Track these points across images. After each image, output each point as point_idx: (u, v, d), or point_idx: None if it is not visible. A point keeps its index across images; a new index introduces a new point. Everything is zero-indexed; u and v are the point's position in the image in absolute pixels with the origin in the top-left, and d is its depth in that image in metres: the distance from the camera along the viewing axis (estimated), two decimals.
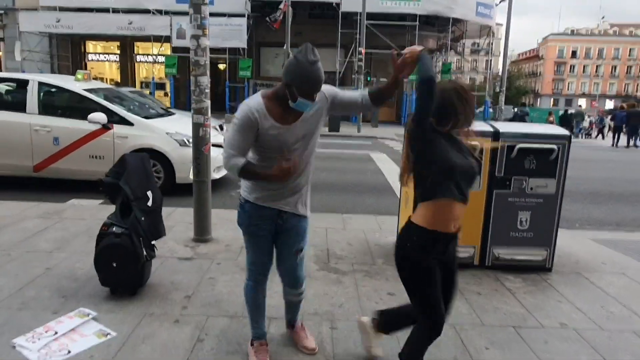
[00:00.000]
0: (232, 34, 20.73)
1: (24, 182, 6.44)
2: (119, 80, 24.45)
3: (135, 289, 3.16)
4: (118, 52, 25.03)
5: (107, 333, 2.67)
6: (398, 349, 2.31)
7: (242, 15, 20.77)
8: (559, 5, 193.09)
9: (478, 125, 3.86)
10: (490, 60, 26.45)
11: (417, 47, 2.09)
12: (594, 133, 25.78)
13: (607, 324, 3.08)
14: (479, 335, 2.86)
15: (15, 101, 6.39)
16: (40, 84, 6.21)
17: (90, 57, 25.42)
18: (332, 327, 2.90)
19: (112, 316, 2.87)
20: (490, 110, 23.03)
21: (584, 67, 70.75)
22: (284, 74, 2.14)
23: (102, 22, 20.98)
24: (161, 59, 22.43)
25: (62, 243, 4.10)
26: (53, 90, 6.42)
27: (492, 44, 25.57)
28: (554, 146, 3.70)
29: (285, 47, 18.11)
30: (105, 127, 6.04)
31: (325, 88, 2.28)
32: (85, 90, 6.26)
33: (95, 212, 5.05)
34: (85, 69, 24.12)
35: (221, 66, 23.03)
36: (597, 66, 70.49)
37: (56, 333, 2.63)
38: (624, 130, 19.17)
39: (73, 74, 6.82)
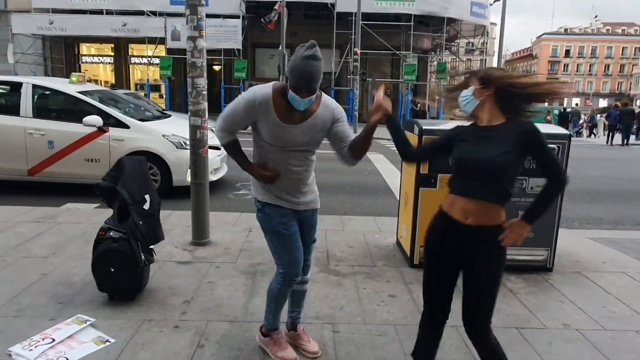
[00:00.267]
0: (227, 35, 20.70)
1: (18, 186, 6.36)
2: (114, 83, 24.32)
3: (134, 294, 3.11)
4: (112, 54, 24.90)
5: (106, 340, 2.63)
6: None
7: (237, 17, 20.73)
8: (552, 4, 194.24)
9: None
10: (485, 59, 26.53)
11: (383, 104, 2.14)
12: (586, 132, 25.87)
13: (609, 324, 3.06)
14: None
15: (9, 104, 6.30)
16: (34, 86, 6.14)
17: (84, 59, 25.28)
18: (333, 330, 2.86)
19: (111, 322, 2.83)
20: None
21: (577, 65, 71.13)
22: (286, 69, 2.21)
23: (95, 24, 20.87)
24: (156, 60, 22.35)
25: (58, 248, 4.04)
26: (47, 93, 6.36)
27: (486, 43, 25.65)
28: (554, 146, 3.68)
29: (280, 48, 18.08)
30: (101, 130, 5.98)
31: (337, 109, 2.34)
32: (79, 92, 6.20)
33: (91, 216, 4.99)
34: (79, 71, 24.00)
35: (216, 67, 22.96)
36: (590, 65, 70.89)
37: (53, 340, 2.58)
38: (618, 127, 19.28)
39: (67, 76, 6.75)
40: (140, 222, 3.05)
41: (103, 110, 6.09)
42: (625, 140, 18.80)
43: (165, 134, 6.20)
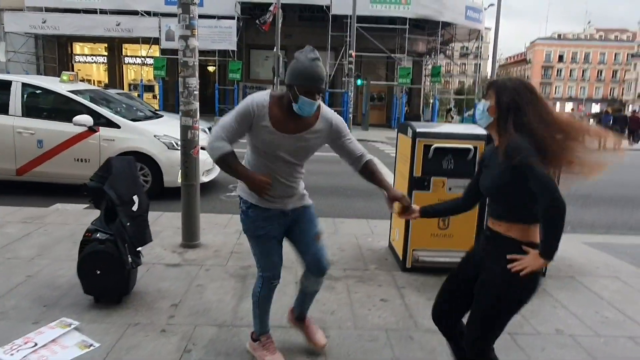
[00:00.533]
0: (222, 36, 20.61)
1: (6, 186, 6.25)
2: (107, 82, 24.13)
3: (120, 297, 3.04)
4: (106, 53, 24.69)
5: (90, 344, 2.56)
6: None
7: (232, 18, 20.65)
8: (546, 10, 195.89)
9: (471, 129, 3.84)
10: (479, 63, 26.61)
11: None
12: None
13: (602, 330, 3.04)
14: None
15: None
16: (24, 85, 6.05)
17: (77, 58, 25.03)
18: (324, 335, 2.81)
19: (96, 326, 2.76)
20: None
21: (570, 71, 71.74)
22: (286, 77, 2.16)
23: (89, 23, 20.69)
24: (150, 60, 22.19)
25: (45, 249, 3.96)
26: (37, 91, 6.27)
27: (480, 47, 25.75)
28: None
29: (275, 49, 18.03)
30: (91, 130, 5.90)
31: (337, 122, 2.32)
32: (70, 91, 6.11)
33: (79, 217, 4.91)
34: (72, 70, 23.83)
35: (210, 68, 22.86)
36: (583, 70, 71.53)
37: (36, 345, 2.51)
38: None
39: (60, 75, 6.66)
40: (128, 224, 2.98)
41: (93, 109, 6.01)
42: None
43: (157, 135, 6.13)
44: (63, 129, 5.90)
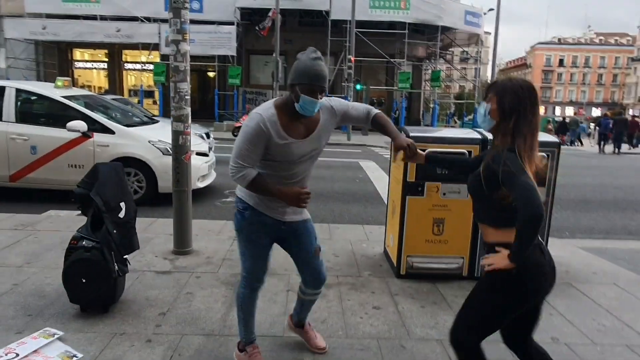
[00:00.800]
0: (222, 41, 20.68)
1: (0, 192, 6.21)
2: (107, 88, 24.19)
3: (107, 306, 2.99)
4: (106, 59, 24.81)
5: (73, 355, 2.50)
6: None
7: (232, 23, 20.72)
8: (546, 14, 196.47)
9: (466, 133, 3.79)
10: (479, 68, 26.62)
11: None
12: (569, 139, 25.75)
13: (599, 338, 2.97)
14: None
15: None
16: (18, 90, 6.02)
17: (77, 64, 25.16)
18: (323, 338, 2.74)
19: (80, 336, 2.70)
20: None
21: (571, 75, 71.76)
22: (289, 78, 2.14)
23: (89, 30, 20.78)
24: (150, 66, 22.25)
25: (34, 257, 3.91)
26: (31, 97, 6.23)
27: (480, 52, 25.77)
28: (543, 154, 3.61)
29: (274, 54, 18.04)
30: (85, 136, 5.87)
31: (335, 104, 2.30)
32: (64, 97, 6.08)
33: (71, 223, 4.85)
34: (73, 76, 23.91)
35: (210, 74, 22.90)
36: (583, 74, 71.54)
37: (17, 355, 2.45)
38: (609, 136, 19.38)
39: None
40: (115, 231, 2.93)
41: (88, 115, 5.97)
42: (617, 149, 18.89)
43: (152, 140, 6.09)
44: (57, 134, 5.86)
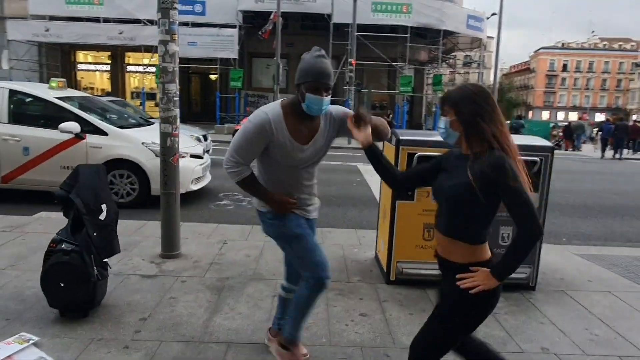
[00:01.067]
0: (224, 44, 20.67)
1: None
2: (110, 90, 24.24)
3: (87, 310, 2.93)
4: (109, 62, 24.83)
5: None
6: None
7: (234, 26, 20.70)
8: (550, 19, 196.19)
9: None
10: (482, 72, 26.50)
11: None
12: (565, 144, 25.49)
13: (590, 348, 2.88)
14: None
15: None
16: (11, 91, 6.00)
17: (80, 66, 25.19)
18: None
19: (57, 341, 2.64)
20: None
21: (574, 80, 71.48)
22: (295, 78, 2.11)
23: (92, 32, 20.81)
24: (152, 69, 22.26)
25: (18, 259, 3.86)
26: (24, 98, 6.20)
27: (482, 56, 25.67)
28: (536, 158, 3.53)
29: (275, 58, 18.02)
30: (78, 137, 5.83)
31: (337, 112, 2.27)
32: (58, 98, 6.05)
33: (61, 226, 4.79)
34: (75, 78, 23.96)
35: (212, 77, 22.90)
36: (587, 79, 71.24)
37: None
38: (610, 141, 19.23)
39: None
40: (95, 234, 2.88)
41: (81, 116, 5.94)
42: (620, 154, 18.75)
43: (145, 142, 6.05)
44: (50, 136, 5.83)
